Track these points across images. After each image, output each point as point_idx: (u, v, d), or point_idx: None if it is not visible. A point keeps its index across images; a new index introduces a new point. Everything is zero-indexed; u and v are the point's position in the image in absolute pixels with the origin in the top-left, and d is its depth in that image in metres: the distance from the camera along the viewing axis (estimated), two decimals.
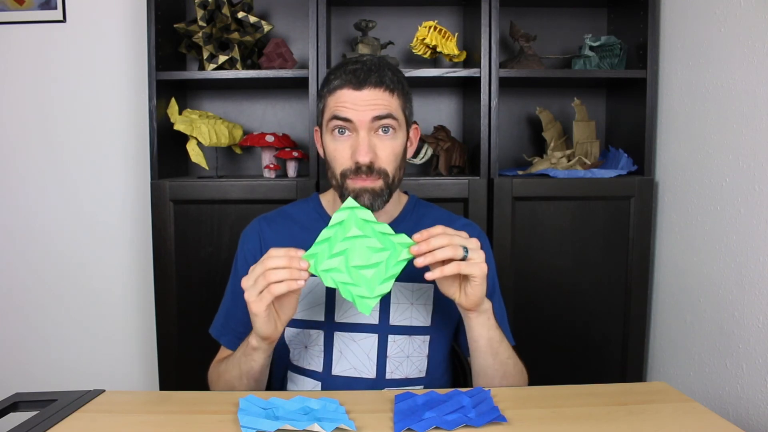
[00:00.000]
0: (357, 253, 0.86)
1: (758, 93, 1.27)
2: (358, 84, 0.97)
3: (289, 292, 0.85)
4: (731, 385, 1.32)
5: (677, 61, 1.58)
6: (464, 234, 0.89)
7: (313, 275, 0.86)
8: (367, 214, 0.87)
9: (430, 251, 0.85)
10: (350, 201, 0.88)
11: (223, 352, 1.12)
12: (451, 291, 0.92)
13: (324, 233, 0.86)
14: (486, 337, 0.96)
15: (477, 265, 0.87)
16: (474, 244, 0.88)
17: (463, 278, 0.90)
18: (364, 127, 0.97)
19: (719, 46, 1.40)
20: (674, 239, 1.58)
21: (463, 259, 0.86)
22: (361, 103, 0.97)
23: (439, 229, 0.87)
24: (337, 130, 0.99)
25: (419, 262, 0.85)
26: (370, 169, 0.97)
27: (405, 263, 0.87)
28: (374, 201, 0.99)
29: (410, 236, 0.87)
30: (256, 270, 0.85)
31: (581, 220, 1.63)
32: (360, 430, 0.79)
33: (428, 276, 0.87)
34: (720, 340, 1.37)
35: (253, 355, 0.94)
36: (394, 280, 0.86)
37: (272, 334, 0.90)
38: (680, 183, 1.56)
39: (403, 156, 1.04)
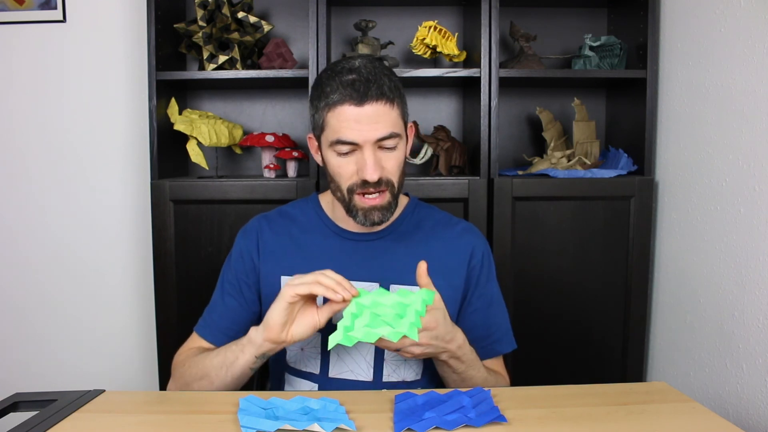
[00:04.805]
0: (379, 311, 0.86)
1: (758, 93, 1.27)
2: (359, 99, 0.94)
3: (310, 315, 0.90)
4: (731, 385, 1.32)
5: (677, 61, 1.58)
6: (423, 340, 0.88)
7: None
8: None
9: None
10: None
11: (194, 341, 1.08)
12: None
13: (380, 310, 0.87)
14: (449, 381, 1.01)
15: (392, 343, 0.86)
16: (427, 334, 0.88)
17: None
18: (369, 145, 0.96)
19: (719, 46, 1.40)
20: (674, 239, 1.58)
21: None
22: (364, 121, 0.95)
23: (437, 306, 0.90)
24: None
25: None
26: (378, 183, 0.98)
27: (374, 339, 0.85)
28: (384, 216, 1.01)
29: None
30: (306, 276, 0.89)
31: (581, 220, 1.63)
32: (360, 430, 0.79)
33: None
34: (720, 340, 1.37)
35: (244, 348, 0.93)
36: (356, 342, 0.85)
37: (276, 333, 0.89)
38: (680, 183, 1.56)
39: (405, 162, 1.04)
